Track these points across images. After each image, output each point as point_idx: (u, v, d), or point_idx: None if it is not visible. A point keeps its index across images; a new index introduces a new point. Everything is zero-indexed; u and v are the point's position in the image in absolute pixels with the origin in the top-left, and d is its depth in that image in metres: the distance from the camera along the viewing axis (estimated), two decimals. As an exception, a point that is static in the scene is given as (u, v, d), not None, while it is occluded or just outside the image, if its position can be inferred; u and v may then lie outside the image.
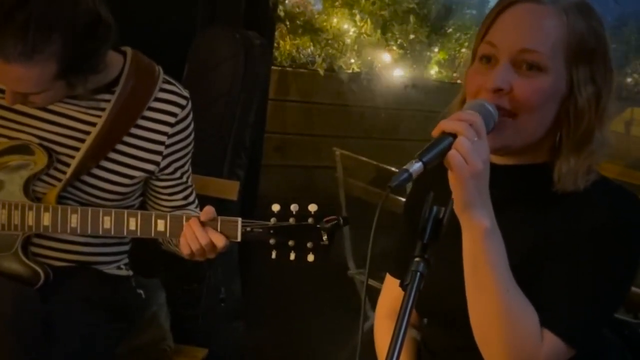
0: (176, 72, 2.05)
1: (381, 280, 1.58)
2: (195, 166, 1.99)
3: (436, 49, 4.76)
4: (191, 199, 1.96)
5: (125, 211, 1.76)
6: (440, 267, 1.16)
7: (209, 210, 1.69)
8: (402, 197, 1.69)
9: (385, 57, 4.38)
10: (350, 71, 4.16)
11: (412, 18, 4.50)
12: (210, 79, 2.55)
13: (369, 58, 4.30)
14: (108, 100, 1.81)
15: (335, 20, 4.20)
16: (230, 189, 2.28)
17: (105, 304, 1.84)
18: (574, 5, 1.29)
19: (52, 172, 1.81)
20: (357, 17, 4.28)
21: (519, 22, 1.28)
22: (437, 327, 1.48)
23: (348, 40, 4.20)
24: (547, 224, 1.30)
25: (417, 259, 1.11)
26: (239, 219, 1.67)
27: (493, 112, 1.23)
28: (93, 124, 1.81)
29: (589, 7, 1.31)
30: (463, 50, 4.83)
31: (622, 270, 1.28)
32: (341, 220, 1.64)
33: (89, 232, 1.77)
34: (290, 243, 1.64)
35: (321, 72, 4.01)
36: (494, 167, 1.21)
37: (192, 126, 1.91)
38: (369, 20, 4.28)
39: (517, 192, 1.35)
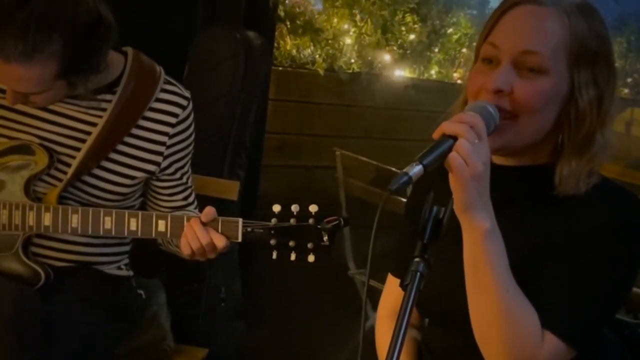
0: (176, 72, 2.05)
1: (381, 280, 1.59)
2: (196, 166, 1.99)
3: (436, 49, 4.76)
4: (191, 199, 1.97)
5: (126, 211, 1.76)
6: (441, 267, 1.16)
7: (210, 211, 1.69)
8: (403, 197, 1.69)
9: (385, 57, 4.38)
10: (350, 71, 4.16)
11: (412, 18, 4.50)
12: (210, 79, 2.55)
13: (369, 58, 4.29)
14: (109, 101, 1.81)
15: (335, 20, 4.20)
16: (230, 189, 2.28)
17: (106, 304, 1.84)
18: (576, 7, 1.28)
19: (53, 172, 1.81)
20: (358, 17, 4.28)
21: (521, 24, 1.29)
22: (437, 327, 1.48)
23: (348, 41, 4.20)
24: (547, 225, 1.30)
25: (417, 259, 1.11)
26: (240, 220, 1.67)
27: (494, 113, 1.24)
28: (94, 124, 1.81)
29: (591, 9, 1.31)
30: (463, 50, 4.83)
31: (622, 271, 1.28)
32: (342, 221, 1.64)
33: (90, 232, 1.78)
34: (291, 243, 1.64)
35: (321, 72, 4.01)
36: (494, 168, 1.21)
37: (193, 127, 1.91)
38: (369, 21, 4.28)
39: (517, 192, 1.35)
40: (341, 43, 4.16)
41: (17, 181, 1.78)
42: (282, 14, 3.92)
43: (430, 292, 1.13)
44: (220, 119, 2.55)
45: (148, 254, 2.02)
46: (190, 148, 1.93)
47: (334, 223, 1.63)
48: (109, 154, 1.82)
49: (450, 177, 1.17)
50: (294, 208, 1.64)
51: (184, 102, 1.87)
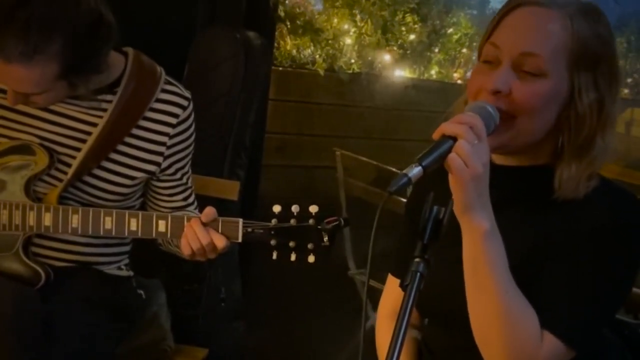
0: (176, 72, 2.05)
1: (381, 280, 1.59)
2: (196, 166, 1.99)
3: (436, 50, 4.76)
4: (191, 200, 1.97)
5: (127, 212, 1.76)
6: (441, 267, 1.16)
7: (210, 212, 1.69)
8: (403, 197, 1.69)
9: (385, 57, 4.38)
10: (350, 71, 4.16)
11: (412, 18, 4.50)
12: (210, 79, 2.55)
13: (369, 58, 4.29)
14: (110, 101, 1.81)
15: (335, 20, 4.20)
16: (230, 189, 2.28)
17: (106, 304, 1.85)
18: (579, 10, 1.28)
19: (53, 172, 1.81)
20: (358, 18, 4.28)
21: (522, 25, 1.28)
22: (437, 328, 1.48)
23: (348, 41, 4.20)
24: (546, 225, 1.30)
25: (417, 259, 1.11)
26: (240, 220, 1.67)
27: (494, 114, 1.23)
28: (94, 125, 1.81)
29: (597, 12, 1.30)
30: (463, 50, 4.83)
31: (622, 271, 1.29)
32: (342, 222, 1.64)
33: (90, 232, 1.78)
34: (291, 244, 1.64)
35: (321, 72, 4.00)
36: (494, 168, 1.21)
37: (193, 127, 1.91)
38: (369, 21, 4.28)
39: (517, 193, 1.35)
40: (341, 43, 4.16)
41: (18, 181, 1.78)
42: (282, 14, 3.92)
43: (430, 292, 1.14)
44: (220, 119, 2.55)
45: (148, 254, 2.02)
46: (191, 148, 1.93)
47: (334, 223, 1.63)
48: (109, 154, 1.82)
49: (450, 177, 1.17)
50: (294, 208, 1.64)
51: (185, 103, 1.87)
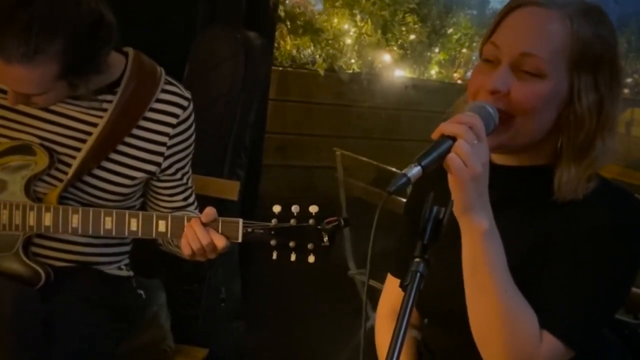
0: (177, 73, 2.05)
1: (381, 280, 1.59)
2: (196, 166, 1.99)
3: (436, 50, 4.77)
4: (191, 200, 1.97)
5: (127, 212, 1.76)
6: (441, 267, 1.16)
7: (210, 212, 1.69)
8: (403, 197, 1.69)
9: (385, 57, 4.38)
10: (350, 71, 4.17)
11: (412, 18, 4.51)
12: (210, 79, 2.55)
13: (370, 58, 4.30)
14: (110, 101, 1.81)
15: (335, 20, 4.20)
16: (230, 189, 2.28)
17: (106, 304, 1.84)
18: (580, 11, 1.27)
19: (54, 172, 1.81)
20: (358, 18, 4.28)
21: (522, 25, 1.28)
22: (437, 328, 1.48)
23: (348, 41, 4.20)
24: (546, 225, 1.30)
25: (417, 260, 1.11)
26: (240, 220, 1.67)
27: (493, 114, 1.23)
28: (94, 125, 1.81)
29: (599, 13, 1.29)
30: (463, 50, 4.83)
31: (622, 271, 1.28)
32: (342, 222, 1.64)
33: (90, 232, 1.78)
34: (291, 244, 1.64)
35: (321, 72, 4.01)
36: (494, 168, 1.21)
37: (193, 127, 1.91)
38: (369, 21, 4.29)
39: (517, 193, 1.35)
40: (341, 43, 4.17)
41: (18, 181, 1.78)
42: (282, 14, 3.93)
43: (430, 292, 1.13)
44: (220, 119, 2.55)
45: (148, 254, 2.02)
46: (191, 148, 1.93)
47: (334, 224, 1.63)
48: (109, 154, 1.82)
49: (449, 177, 1.17)
50: (294, 209, 1.64)
51: (185, 103, 1.87)
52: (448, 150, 1.14)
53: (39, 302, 1.73)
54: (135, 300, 1.99)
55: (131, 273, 2.01)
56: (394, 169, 3.08)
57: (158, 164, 1.86)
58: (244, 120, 2.59)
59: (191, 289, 2.53)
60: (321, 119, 4.12)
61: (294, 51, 4.00)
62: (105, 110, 1.81)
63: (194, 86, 2.04)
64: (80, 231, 1.78)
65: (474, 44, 4.81)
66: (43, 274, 1.80)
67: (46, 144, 1.81)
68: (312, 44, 4.06)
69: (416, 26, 4.54)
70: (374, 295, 1.61)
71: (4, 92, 1.74)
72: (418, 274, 1.10)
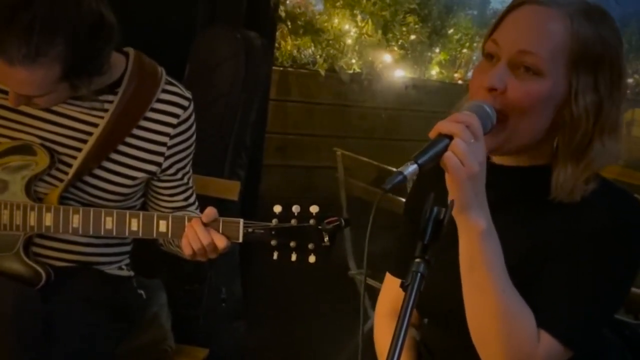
0: (177, 73, 2.05)
1: (382, 280, 1.59)
2: (196, 166, 1.99)
3: (437, 50, 4.77)
4: (191, 200, 1.97)
5: (127, 212, 1.76)
6: (441, 268, 1.16)
7: (211, 212, 1.69)
8: (403, 197, 1.70)
9: (386, 57, 4.38)
10: (351, 71, 4.17)
11: (413, 18, 4.51)
12: (211, 79, 2.55)
13: (370, 58, 4.30)
14: (111, 101, 1.81)
15: (336, 20, 4.20)
16: (231, 189, 2.28)
17: (106, 304, 1.84)
18: (581, 10, 1.27)
19: (54, 172, 1.81)
20: (358, 18, 4.28)
21: (522, 23, 1.28)
22: (437, 328, 1.48)
23: (349, 41, 4.20)
24: (545, 225, 1.30)
25: (417, 260, 1.11)
26: (241, 220, 1.67)
27: (491, 113, 1.23)
28: (95, 125, 1.81)
29: (601, 13, 1.29)
30: (464, 50, 4.83)
31: (622, 271, 1.28)
32: (342, 222, 1.64)
33: (91, 232, 1.78)
34: (292, 244, 1.64)
35: (322, 72, 4.01)
36: (493, 168, 1.21)
37: (194, 127, 1.91)
38: (370, 21, 4.29)
39: (515, 193, 1.35)
40: (342, 43, 4.17)
41: (19, 181, 1.78)
42: (283, 14, 3.93)
43: (430, 292, 1.13)
44: (220, 119, 2.55)
45: (149, 254, 2.02)
46: (192, 148, 1.93)
47: (335, 224, 1.63)
48: (110, 155, 1.82)
49: (447, 176, 1.17)
50: (295, 209, 1.64)
51: (185, 103, 1.87)
52: (445, 149, 1.14)
53: (40, 302, 1.73)
54: (136, 300, 1.99)
55: (132, 273, 2.01)
56: (394, 169, 3.07)
57: (159, 164, 1.86)
58: (244, 120, 2.59)
59: (192, 289, 2.53)
60: (322, 119, 4.12)
61: (295, 51, 4.00)
62: (106, 110, 1.81)
63: (194, 86, 2.04)
64: (80, 231, 1.78)
65: (475, 44, 4.81)
66: (44, 274, 1.80)
67: (47, 144, 1.81)
68: (312, 44, 4.06)
69: (417, 26, 4.54)
70: (375, 295, 1.61)
71: (5, 92, 1.74)
72: (418, 274, 1.09)
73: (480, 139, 1.16)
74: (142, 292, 2.01)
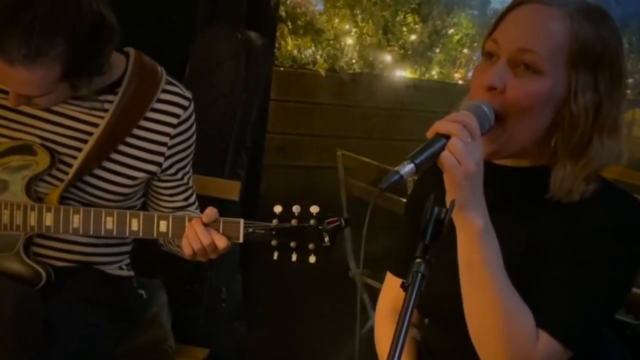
0: (177, 73, 2.05)
1: (382, 280, 1.59)
2: (196, 166, 1.99)
3: (437, 50, 4.76)
4: (192, 200, 1.97)
5: (128, 212, 1.76)
6: (441, 267, 1.16)
7: (211, 212, 1.69)
8: (403, 197, 1.70)
9: (386, 57, 4.38)
10: (351, 72, 4.16)
11: (413, 19, 4.51)
12: (211, 79, 2.55)
13: (370, 59, 4.29)
14: (111, 101, 1.81)
15: (336, 20, 4.20)
16: (231, 189, 2.28)
17: (107, 304, 1.84)
18: (581, 10, 1.27)
19: (55, 172, 1.82)
20: (359, 18, 4.28)
21: (522, 22, 1.28)
22: (437, 328, 1.48)
23: (349, 41, 4.20)
24: (545, 225, 1.30)
25: (418, 260, 1.11)
26: (241, 220, 1.67)
27: (489, 113, 1.23)
28: (95, 125, 1.81)
29: (601, 13, 1.29)
30: (464, 51, 4.83)
31: (622, 271, 1.28)
32: (343, 222, 1.64)
33: (91, 232, 1.78)
34: (292, 244, 1.64)
35: (322, 72, 4.01)
36: (492, 168, 1.21)
37: (194, 127, 1.91)
38: (370, 21, 4.28)
39: (515, 193, 1.35)
40: (342, 43, 4.16)
41: (19, 181, 1.79)
42: (283, 14, 3.93)
43: (431, 292, 1.13)
44: (221, 119, 2.55)
45: (149, 254, 2.02)
46: (192, 148, 1.93)
47: (335, 224, 1.63)
48: (110, 155, 1.82)
49: (444, 176, 1.17)
50: (295, 209, 1.64)
51: (186, 103, 1.87)
52: (442, 149, 1.14)
53: (40, 302, 1.73)
54: (136, 300, 1.99)
55: (132, 273, 2.01)
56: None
57: (159, 164, 1.86)
58: (244, 120, 2.59)
59: (192, 289, 2.53)
60: (322, 119, 4.11)
61: (295, 51, 4.00)
62: (106, 110, 1.81)
63: (194, 86, 2.04)
64: (81, 231, 1.78)
65: (475, 45, 4.80)
66: (44, 274, 1.80)
67: (47, 144, 1.81)
68: (313, 44, 4.05)
69: (417, 26, 4.54)
70: (375, 295, 1.61)
71: (5, 92, 1.74)
72: (419, 274, 1.10)
73: (477, 139, 1.16)
74: (142, 292, 2.01)
